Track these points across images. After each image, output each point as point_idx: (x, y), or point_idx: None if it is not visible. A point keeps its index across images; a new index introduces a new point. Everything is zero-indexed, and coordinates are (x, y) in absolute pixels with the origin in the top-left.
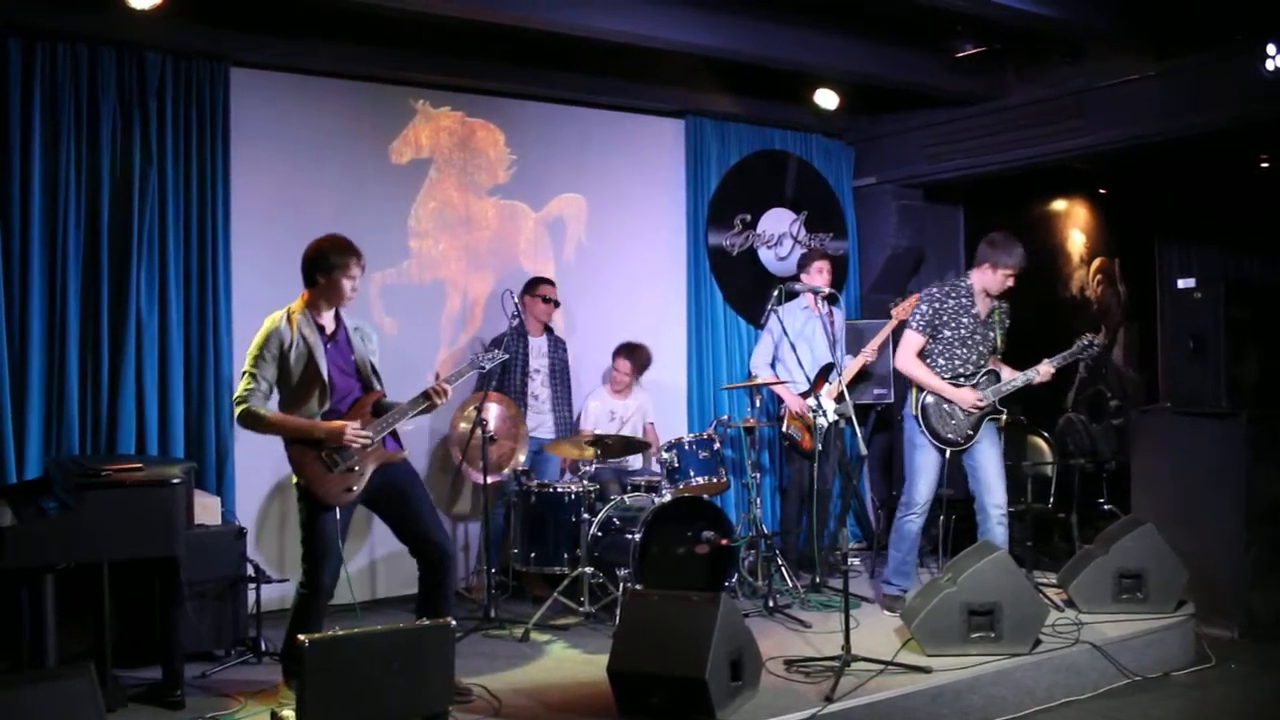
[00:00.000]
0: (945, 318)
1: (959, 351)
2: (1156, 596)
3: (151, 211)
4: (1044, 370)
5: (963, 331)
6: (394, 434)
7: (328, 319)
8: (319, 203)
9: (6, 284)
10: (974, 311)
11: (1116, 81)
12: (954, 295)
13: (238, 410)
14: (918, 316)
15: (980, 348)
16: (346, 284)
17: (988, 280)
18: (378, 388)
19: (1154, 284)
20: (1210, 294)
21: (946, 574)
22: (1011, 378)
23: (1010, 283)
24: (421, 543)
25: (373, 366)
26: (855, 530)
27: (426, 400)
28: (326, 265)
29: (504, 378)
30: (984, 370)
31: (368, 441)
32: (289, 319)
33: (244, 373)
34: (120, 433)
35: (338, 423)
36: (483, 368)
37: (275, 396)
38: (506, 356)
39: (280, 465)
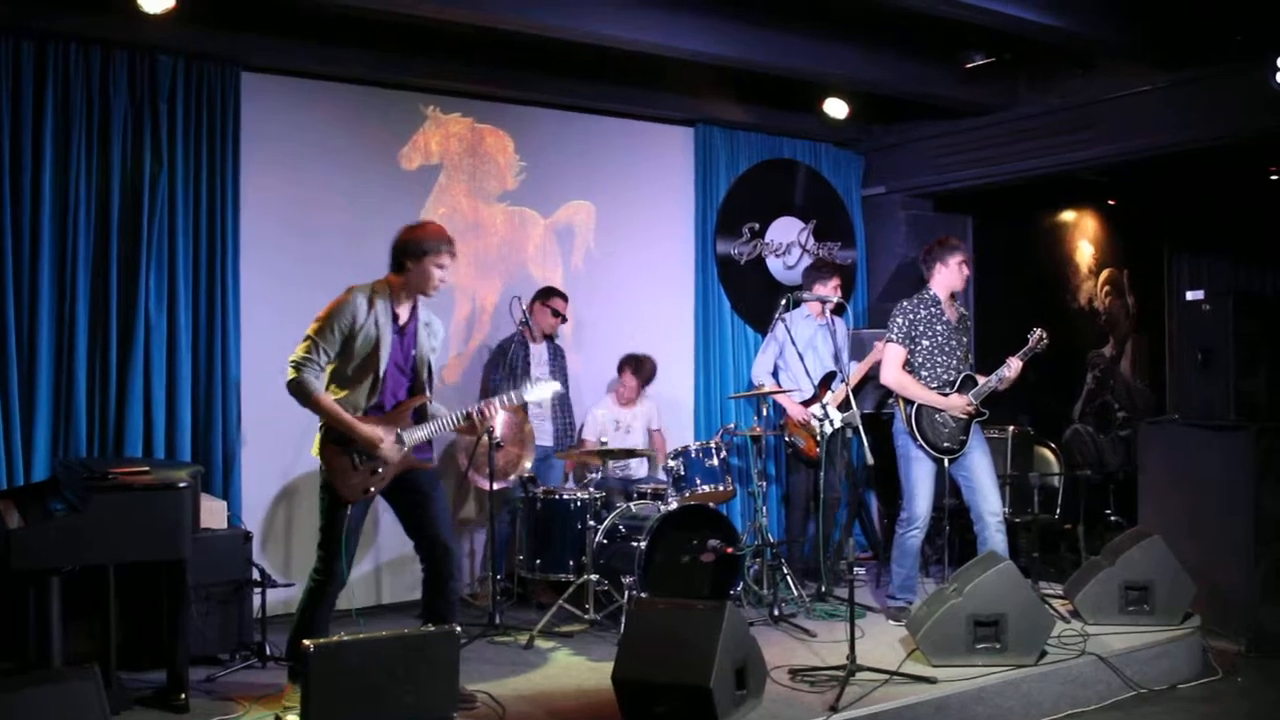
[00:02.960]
0: (921, 327)
1: (940, 359)
2: (1163, 608)
3: (161, 214)
4: (1014, 365)
5: (939, 339)
6: (428, 442)
7: (404, 310)
8: (328, 207)
9: (16, 285)
10: (945, 319)
11: (1126, 93)
12: (924, 305)
13: (290, 374)
14: (895, 330)
15: (958, 353)
16: (436, 273)
17: (950, 279)
18: (426, 393)
19: (1163, 296)
20: (1219, 306)
21: (952, 584)
22: (986, 380)
23: (967, 270)
24: (430, 543)
25: (430, 366)
26: (861, 539)
27: (468, 420)
28: (419, 251)
29: (507, 385)
30: (962, 375)
31: (395, 461)
32: (370, 298)
33: (306, 337)
34: (127, 435)
35: (377, 433)
36: (526, 402)
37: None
38: (558, 385)
39: (287, 469)
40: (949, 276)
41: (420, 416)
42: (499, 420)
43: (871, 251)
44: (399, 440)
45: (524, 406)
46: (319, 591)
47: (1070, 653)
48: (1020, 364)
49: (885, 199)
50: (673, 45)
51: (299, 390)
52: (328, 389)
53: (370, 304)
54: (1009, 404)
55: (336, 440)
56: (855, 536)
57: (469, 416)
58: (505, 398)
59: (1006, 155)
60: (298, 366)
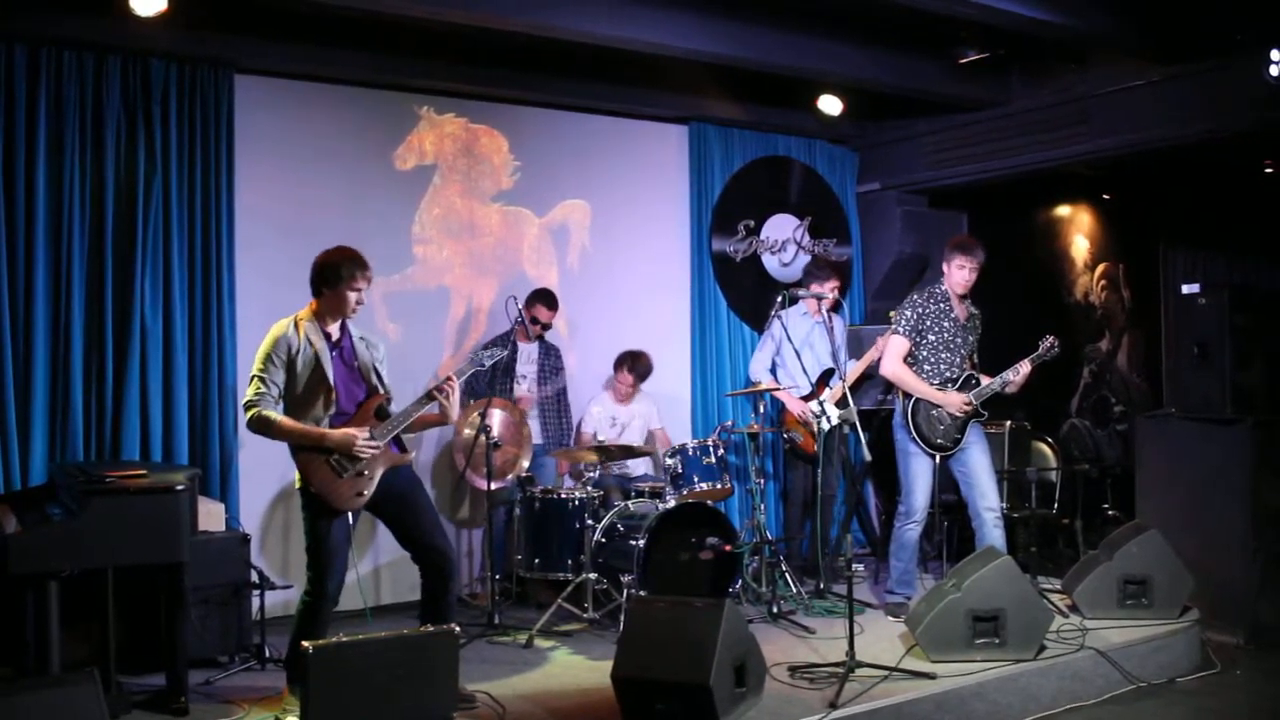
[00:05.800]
0: (929, 322)
1: (944, 355)
2: (1161, 602)
3: (156, 218)
4: (1023, 369)
5: (945, 335)
6: (398, 439)
7: (333, 328)
8: (323, 209)
9: (11, 290)
10: (953, 315)
11: (1120, 87)
12: (934, 300)
13: (248, 415)
14: (903, 322)
15: (961, 351)
16: (351, 296)
17: (952, 280)
18: (381, 392)
19: (1158, 289)
20: (1215, 299)
21: (950, 580)
22: (990, 381)
23: (970, 276)
24: (424, 549)
25: (377, 372)
26: (859, 536)
27: (430, 400)
28: (333, 278)
29: (491, 382)
30: (965, 374)
31: (376, 451)
32: (295, 326)
33: (252, 377)
34: (124, 439)
35: (349, 431)
36: (483, 365)
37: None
38: (505, 353)
39: (284, 472)
40: (952, 278)
41: (383, 415)
42: (496, 420)
43: (867, 248)
44: (372, 438)
45: (512, 398)
46: (311, 613)
47: (1069, 647)
48: (1029, 368)
49: (880, 195)
50: (666, 43)
51: (260, 424)
52: (287, 415)
53: (297, 329)
54: (1006, 399)
55: (312, 458)
56: (853, 533)
57: (430, 395)
58: (459, 369)
59: (1001, 151)
60: (251, 405)
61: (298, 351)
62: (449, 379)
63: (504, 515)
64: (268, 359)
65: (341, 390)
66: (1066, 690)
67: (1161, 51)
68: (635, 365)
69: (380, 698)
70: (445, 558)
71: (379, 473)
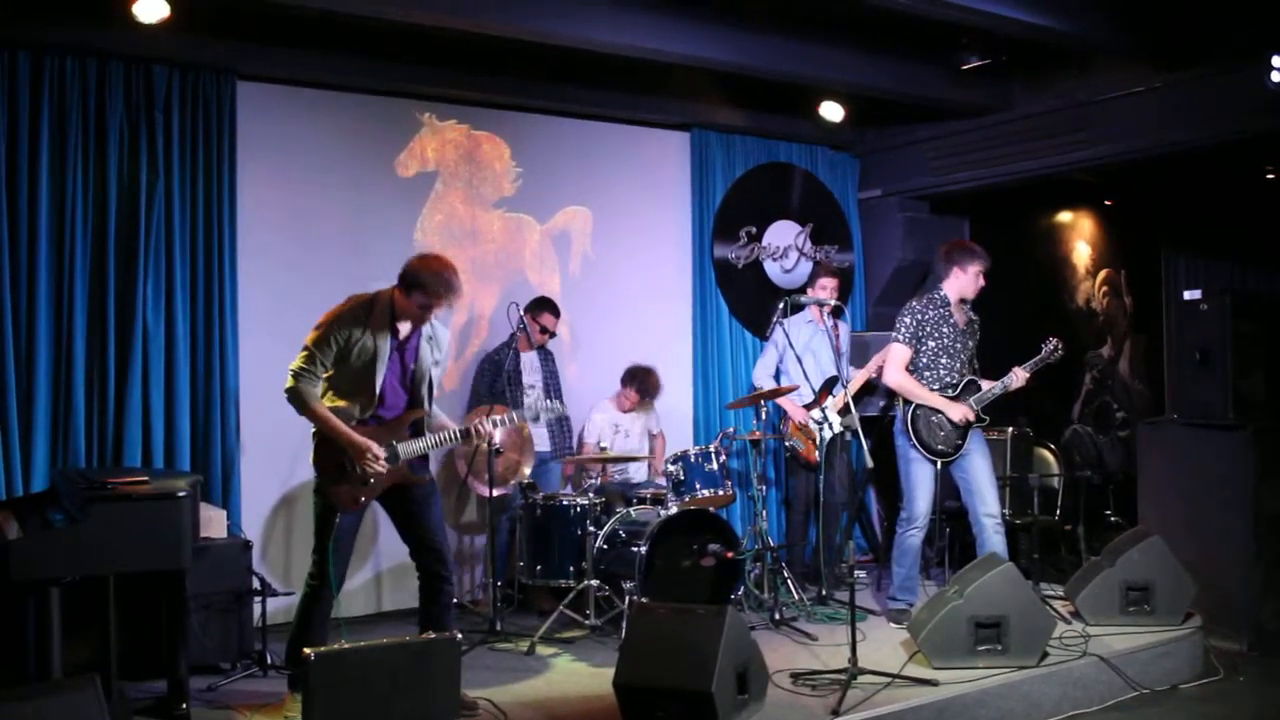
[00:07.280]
0: (928, 328)
1: (944, 361)
2: (1164, 609)
3: (158, 224)
4: (1019, 375)
5: (945, 341)
6: (424, 458)
7: (404, 326)
8: (325, 215)
9: (14, 297)
10: (953, 321)
11: (1122, 93)
12: (933, 306)
13: (289, 382)
14: (901, 329)
15: (961, 356)
16: (423, 314)
17: (963, 285)
18: (425, 407)
19: (1160, 296)
20: (1216, 306)
21: (953, 586)
22: (990, 386)
23: (983, 281)
24: (424, 549)
25: (430, 381)
26: (861, 542)
27: (465, 437)
28: (413, 287)
29: (496, 390)
30: (965, 380)
31: (383, 473)
32: (372, 309)
33: (305, 347)
34: (126, 445)
35: (369, 443)
36: (537, 418)
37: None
38: (564, 409)
39: (286, 478)
40: (963, 283)
41: (418, 430)
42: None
43: (869, 255)
44: (392, 451)
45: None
46: (314, 597)
47: (1072, 654)
48: (1026, 374)
49: (882, 202)
50: (668, 50)
51: (295, 398)
52: (325, 396)
53: (370, 317)
54: (1008, 406)
55: (329, 447)
56: (855, 540)
57: (466, 434)
58: (507, 417)
59: (1003, 157)
60: (296, 375)
61: (356, 343)
62: (479, 424)
63: (506, 522)
64: (325, 336)
65: (386, 396)
66: (1069, 697)
67: (1163, 58)
68: (644, 385)
69: (382, 705)
70: (440, 559)
71: (385, 485)
